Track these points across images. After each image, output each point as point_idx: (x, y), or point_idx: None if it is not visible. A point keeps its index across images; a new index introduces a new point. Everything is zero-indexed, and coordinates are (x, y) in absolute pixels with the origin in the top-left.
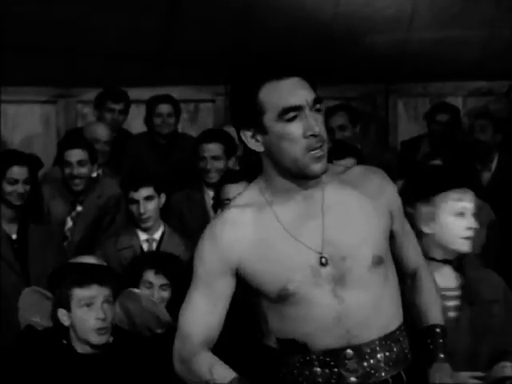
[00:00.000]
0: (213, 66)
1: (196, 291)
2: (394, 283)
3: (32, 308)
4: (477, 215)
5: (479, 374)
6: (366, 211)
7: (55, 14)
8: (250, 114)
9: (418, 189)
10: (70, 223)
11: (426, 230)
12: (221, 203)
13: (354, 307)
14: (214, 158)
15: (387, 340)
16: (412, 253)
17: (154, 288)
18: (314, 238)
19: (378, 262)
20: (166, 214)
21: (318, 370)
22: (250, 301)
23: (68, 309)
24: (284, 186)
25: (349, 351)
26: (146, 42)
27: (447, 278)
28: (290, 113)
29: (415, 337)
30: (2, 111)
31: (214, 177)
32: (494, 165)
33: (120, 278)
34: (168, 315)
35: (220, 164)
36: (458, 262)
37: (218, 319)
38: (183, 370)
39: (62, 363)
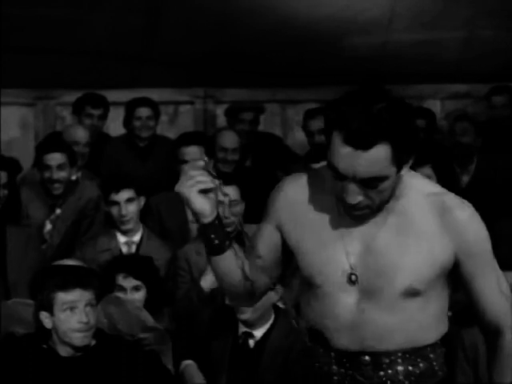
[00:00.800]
0: (193, 68)
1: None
2: (434, 313)
3: (14, 319)
4: None
5: None
6: (423, 240)
7: (33, 14)
8: (327, 126)
9: None
10: (48, 226)
11: None
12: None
13: (372, 322)
14: (195, 161)
15: (412, 354)
16: (491, 307)
17: (127, 291)
18: (358, 244)
19: (414, 293)
20: (144, 216)
21: (335, 368)
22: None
23: (51, 312)
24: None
25: (366, 358)
26: (125, 43)
27: None
28: (334, 171)
29: None
30: None
31: None
32: (472, 168)
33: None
34: (152, 320)
35: None
36: None
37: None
38: None
39: (44, 367)
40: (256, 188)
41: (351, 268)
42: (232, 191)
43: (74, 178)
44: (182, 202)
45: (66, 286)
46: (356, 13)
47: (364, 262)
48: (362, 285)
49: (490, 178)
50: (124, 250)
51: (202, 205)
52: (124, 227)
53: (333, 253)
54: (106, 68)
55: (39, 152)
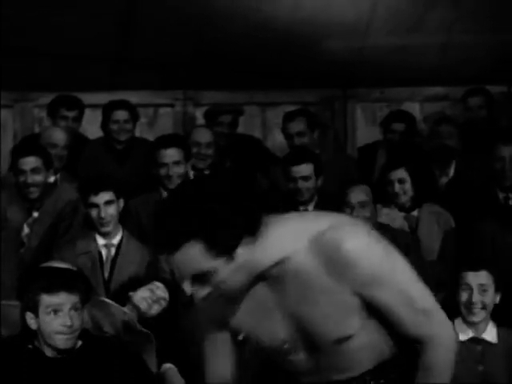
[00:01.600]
0: (172, 71)
1: None
2: (383, 332)
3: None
4: (435, 222)
5: None
6: (325, 293)
7: (10, 15)
8: None
9: None
10: (26, 229)
11: None
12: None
13: (328, 365)
14: (175, 163)
15: (377, 369)
16: (411, 330)
17: None
18: (279, 317)
19: (345, 339)
20: (123, 219)
21: None
22: None
23: (36, 313)
24: None
25: None
26: (103, 45)
27: None
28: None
29: None
30: None
31: (175, 182)
32: (451, 170)
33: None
34: (137, 323)
35: (181, 169)
36: None
37: None
38: None
39: (29, 367)
40: None
41: (283, 341)
42: None
43: (51, 180)
44: None
45: (50, 289)
46: (334, 16)
47: (290, 330)
48: (302, 348)
49: (468, 179)
50: (103, 252)
51: None
52: (103, 229)
53: (267, 331)
54: (85, 70)
55: (14, 156)
